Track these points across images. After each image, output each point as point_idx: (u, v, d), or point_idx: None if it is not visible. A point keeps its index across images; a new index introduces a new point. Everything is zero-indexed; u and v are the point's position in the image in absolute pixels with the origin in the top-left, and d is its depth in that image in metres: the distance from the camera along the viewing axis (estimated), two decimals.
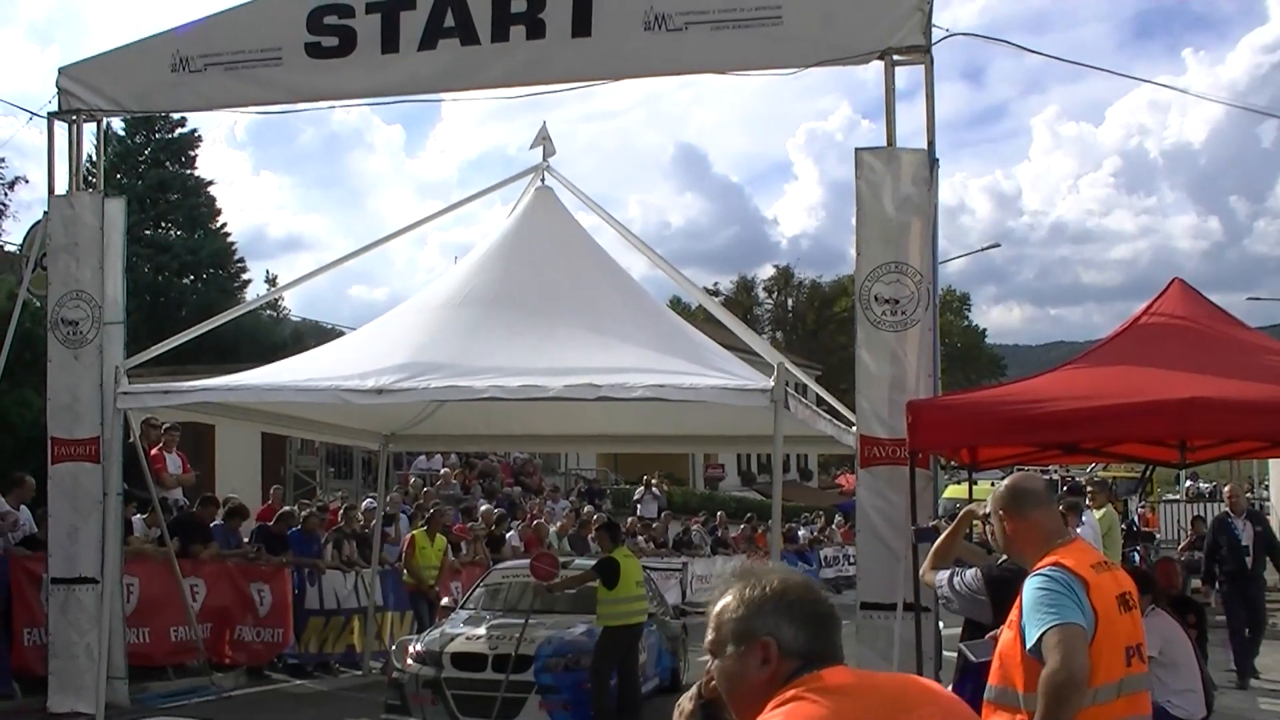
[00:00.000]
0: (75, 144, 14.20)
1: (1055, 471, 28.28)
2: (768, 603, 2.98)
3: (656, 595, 17.07)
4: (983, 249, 73.60)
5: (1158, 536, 33.63)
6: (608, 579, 13.16)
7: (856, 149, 11.68)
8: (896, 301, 11.25)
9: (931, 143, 11.57)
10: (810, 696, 2.83)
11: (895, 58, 11.72)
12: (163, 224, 44.86)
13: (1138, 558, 21.85)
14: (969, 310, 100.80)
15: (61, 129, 14.15)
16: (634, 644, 13.31)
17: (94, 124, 14.47)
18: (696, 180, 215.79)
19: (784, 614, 2.96)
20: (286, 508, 19.82)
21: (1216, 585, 17.31)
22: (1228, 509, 14.61)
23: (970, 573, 6.91)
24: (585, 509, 30.32)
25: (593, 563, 14.32)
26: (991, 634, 7.04)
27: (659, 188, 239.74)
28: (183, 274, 44.27)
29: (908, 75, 11.85)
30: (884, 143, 11.75)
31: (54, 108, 14.09)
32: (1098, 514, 16.63)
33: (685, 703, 3.28)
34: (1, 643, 13.45)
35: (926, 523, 10.06)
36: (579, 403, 13.29)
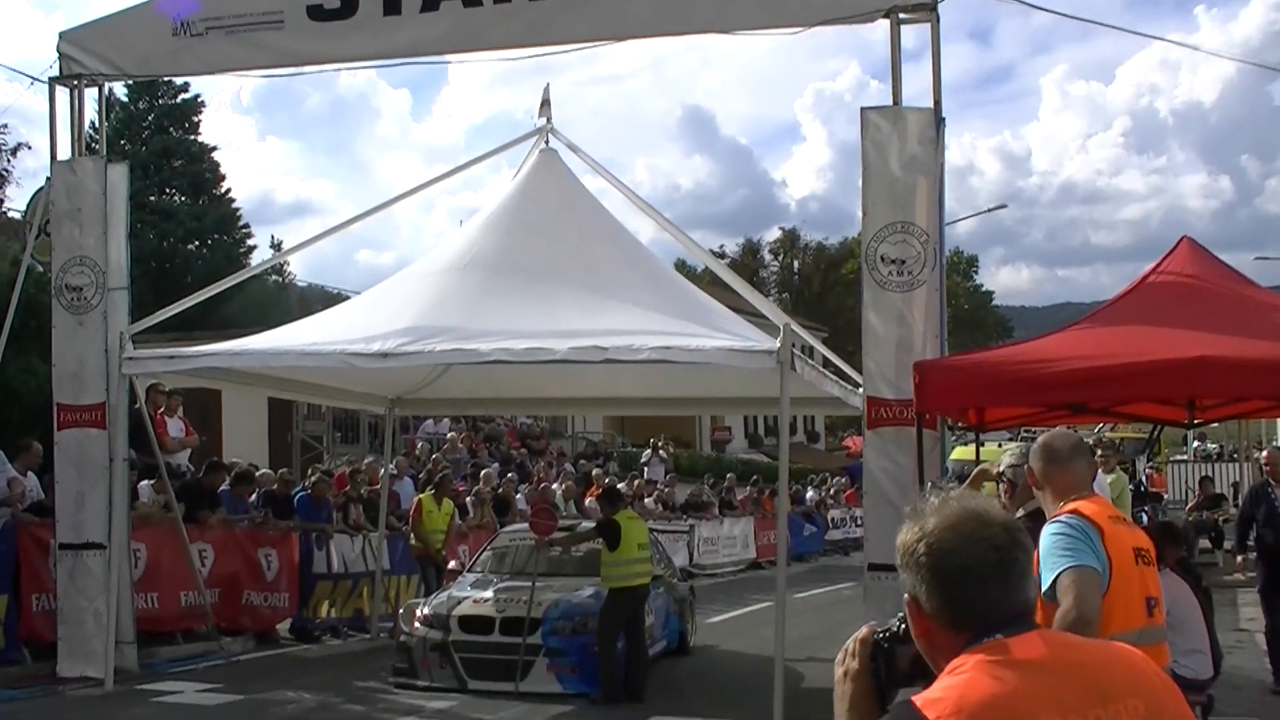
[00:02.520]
0: (77, 109, 14.14)
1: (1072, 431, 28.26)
2: (906, 555, 2.64)
3: (664, 558, 17.08)
4: (989, 210, 73.50)
5: (1165, 497, 33.63)
6: (610, 540, 13.16)
7: (862, 108, 11.60)
8: (903, 262, 11.18)
9: (938, 102, 11.49)
10: (989, 670, 2.46)
11: (901, 16, 11.63)
12: (167, 190, 44.89)
13: (1145, 518, 21.81)
14: (976, 272, 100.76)
15: (63, 94, 14.10)
16: (639, 606, 13.31)
17: (95, 89, 14.37)
18: (705, 143, 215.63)
19: (914, 570, 2.62)
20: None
21: (1242, 558, 15.80)
22: (1268, 477, 13.50)
23: None
24: (594, 472, 30.35)
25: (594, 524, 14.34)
26: None
27: (667, 151, 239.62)
28: (188, 240, 44.34)
29: (915, 35, 11.76)
30: (890, 103, 11.68)
31: (55, 73, 14.03)
32: (1109, 478, 16.55)
33: (850, 662, 2.81)
34: (10, 609, 13.46)
35: (939, 483, 10.03)
36: (585, 366, 13.28)
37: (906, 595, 2.65)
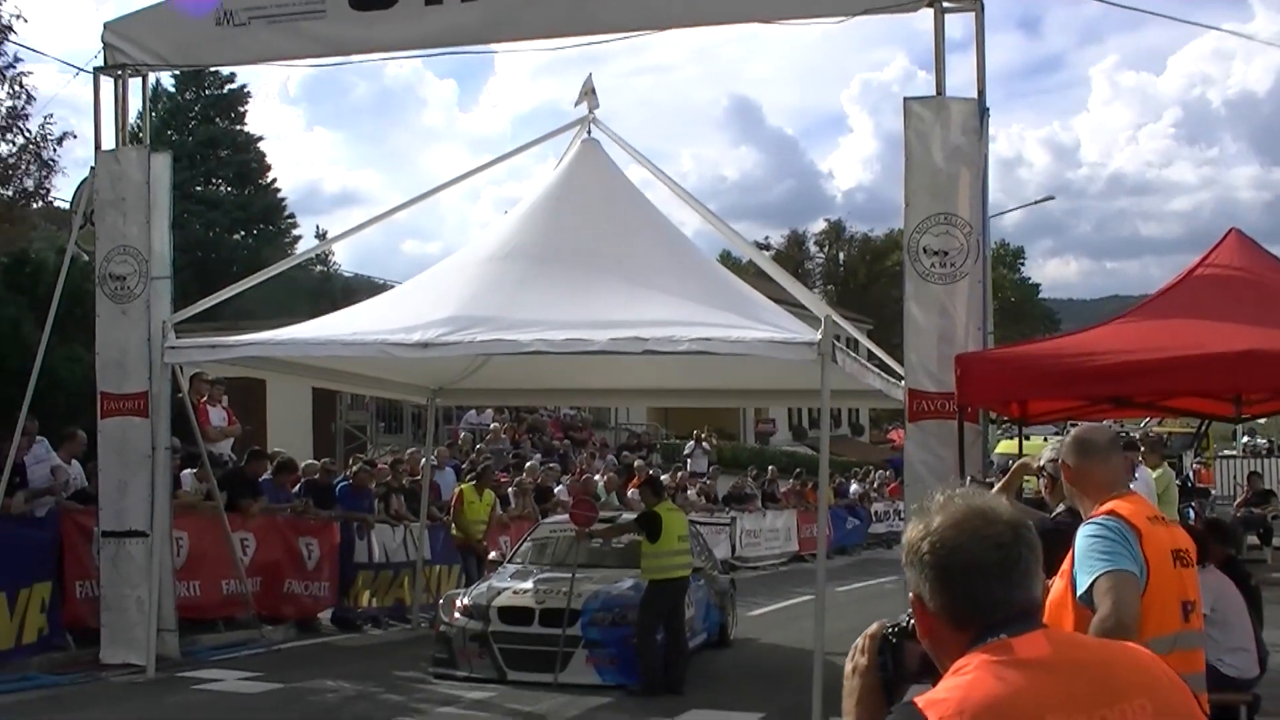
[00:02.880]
0: (121, 99, 14.19)
1: (1110, 426, 28.03)
2: (910, 552, 2.60)
3: (705, 550, 17.03)
4: (1036, 201, 73.08)
5: (1213, 493, 33.27)
6: (650, 532, 13.12)
7: (905, 98, 11.52)
8: (945, 253, 11.09)
9: (982, 92, 11.38)
10: (993, 670, 2.41)
11: (945, 4, 11.54)
12: (213, 180, 45.17)
13: (1193, 514, 21.58)
14: (1022, 264, 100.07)
15: (107, 84, 14.15)
16: (679, 598, 13.27)
17: (139, 79, 14.41)
18: (751, 133, 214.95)
19: (918, 568, 2.58)
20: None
21: None
22: None
23: None
24: (636, 463, 30.33)
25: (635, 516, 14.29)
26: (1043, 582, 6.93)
27: (713, 141, 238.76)
28: (233, 230, 44.61)
29: (962, 25, 11.65)
30: (934, 93, 11.57)
31: (100, 63, 14.09)
32: (1154, 473, 16.36)
33: (859, 659, 2.81)
34: (55, 595, 13.55)
35: (980, 476, 9.93)
36: (627, 357, 13.24)
37: (911, 593, 2.61)
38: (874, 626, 2.78)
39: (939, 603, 2.55)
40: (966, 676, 2.42)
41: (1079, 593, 4.78)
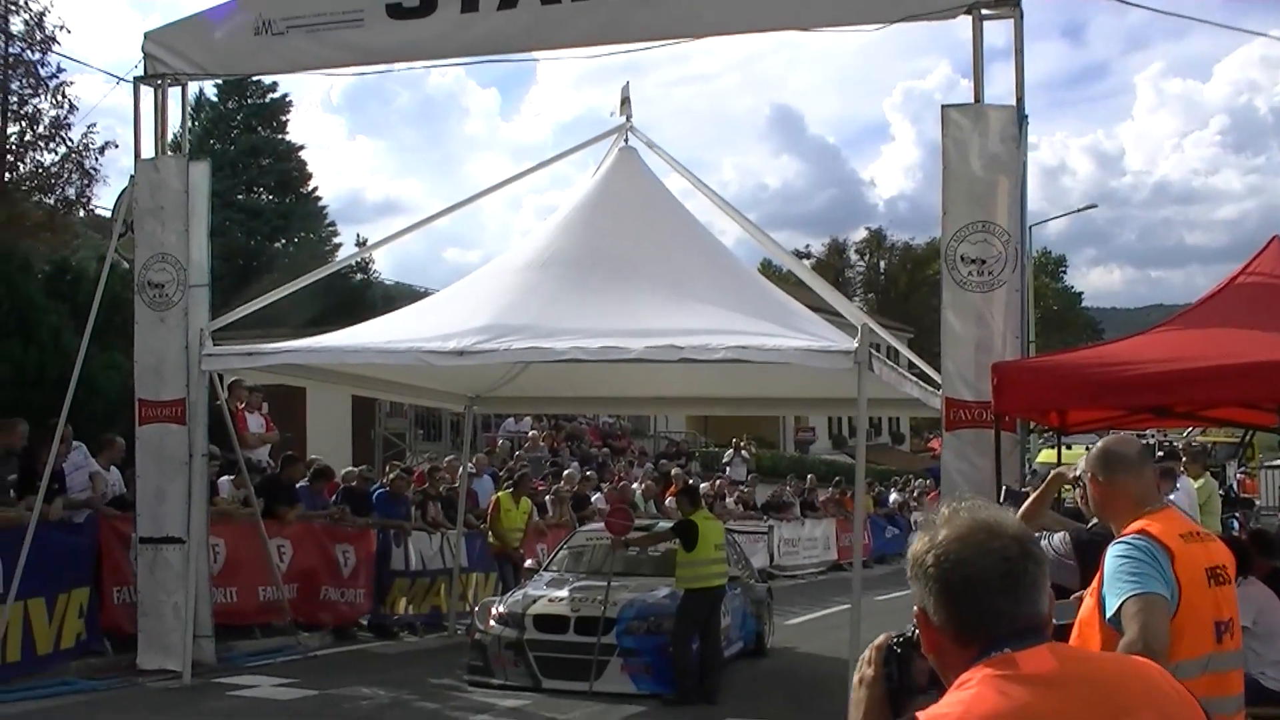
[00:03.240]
0: (160, 108, 14.26)
1: (1152, 436, 27.79)
2: (915, 566, 2.57)
3: (741, 559, 16.98)
4: (1079, 210, 72.75)
5: (1258, 503, 32.93)
6: (686, 541, 13.08)
7: (943, 106, 11.45)
8: (983, 262, 11.00)
9: (1020, 99, 11.29)
10: (996, 685, 2.38)
11: (984, 11, 11.44)
12: (254, 189, 45.42)
13: (1236, 525, 21.36)
14: (1064, 273, 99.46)
15: (147, 93, 14.23)
16: (715, 607, 13.22)
17: (179, 88, 14.49)
18: (792, 142, 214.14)
19: (922, 582, 2.55)
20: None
21: None
22: None
23: (1058, 536, 6.72)
24: (673, 471, 30.29)
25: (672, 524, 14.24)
26: (1076, 594, 6.83)
27: (754, 150, 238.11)
28: (274, 238, 44.87)
29: (1004, 33, 11.54)
30: (973, 100, 11.49)
31: (140, 72, 14.17)
32: (1196, 483, 16.21)
33: (866, 669, 2.78)
34: (92, 601, 13.62)
35: (1016, 486, 9.81)
36: (665, 365, 13.22)
37: (916, 607, 2.59)
38: (881, 638, 2.75)
39: (943, 617, 2.52)
40: (969, 691, 2.39)
41: (1108, 615, 4.65)
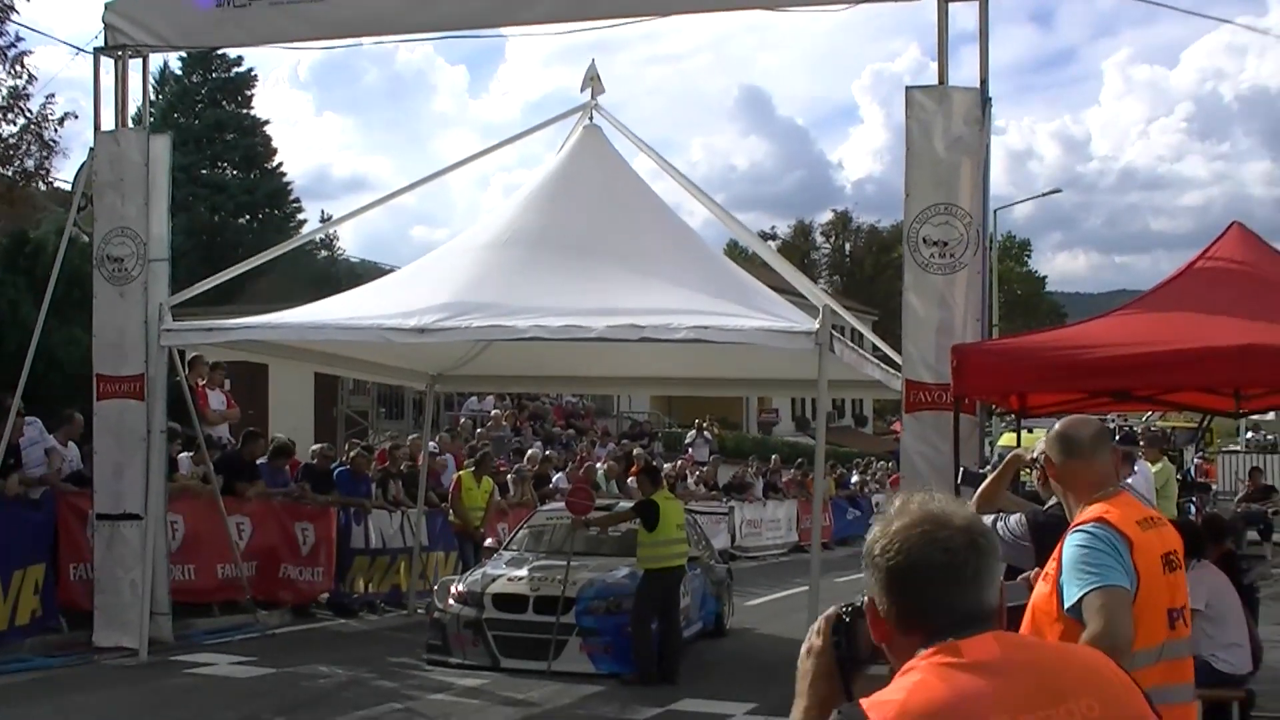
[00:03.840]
0: (121, 80, 14.13)
1: (1112, 420, 27.98)
2: (865, 556, 2.60)
3: (702, 539, 17.00)
4: (1044, 194, 72.97)
5: (1214, 488, 33.20)
6: (647, 521, 13.07)
7: (907, 87, 11.47)
8: (945, 244, 11.02)
9: (984, 82, 11.31)
10: (938, 672, 2.41)
11: None
12: (219, 164, 45.07)
13: (1193, 509, 21.52)
14: (1029, 257, 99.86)
15: (108, 65, 14.10)
16: (675, 587, 13.22)
17: (140, 60, 14.35)
18: (761, 123, 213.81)
19: (871, 572, 2.59)
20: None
21: None
22: None
23: (1014, 518, 6.72)
24: (635, 451, 30.30)
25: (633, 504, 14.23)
26: (1024, 576, 6.84)
27: (723, 131, 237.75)
28: (239, 214, 44.54)
29: (972, 16, 11.55)
30: (937, 82, 11.50)
31: (101, 43, 14.03)
32: (1154, 468, 16.31)
33: (814, 640, 2.77)
34: (49, 577, 13.53)
35: (975, 468, 9.83)
36: (628, 345, 13.22)
37: (866, 596, 2.62)
38: (831, 609, 2.76)
39: (888, 605, 2.56)
40: (912, 678, 2.41)
41: (1067, 604, 4.62)
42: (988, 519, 6.73)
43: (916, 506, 2.60)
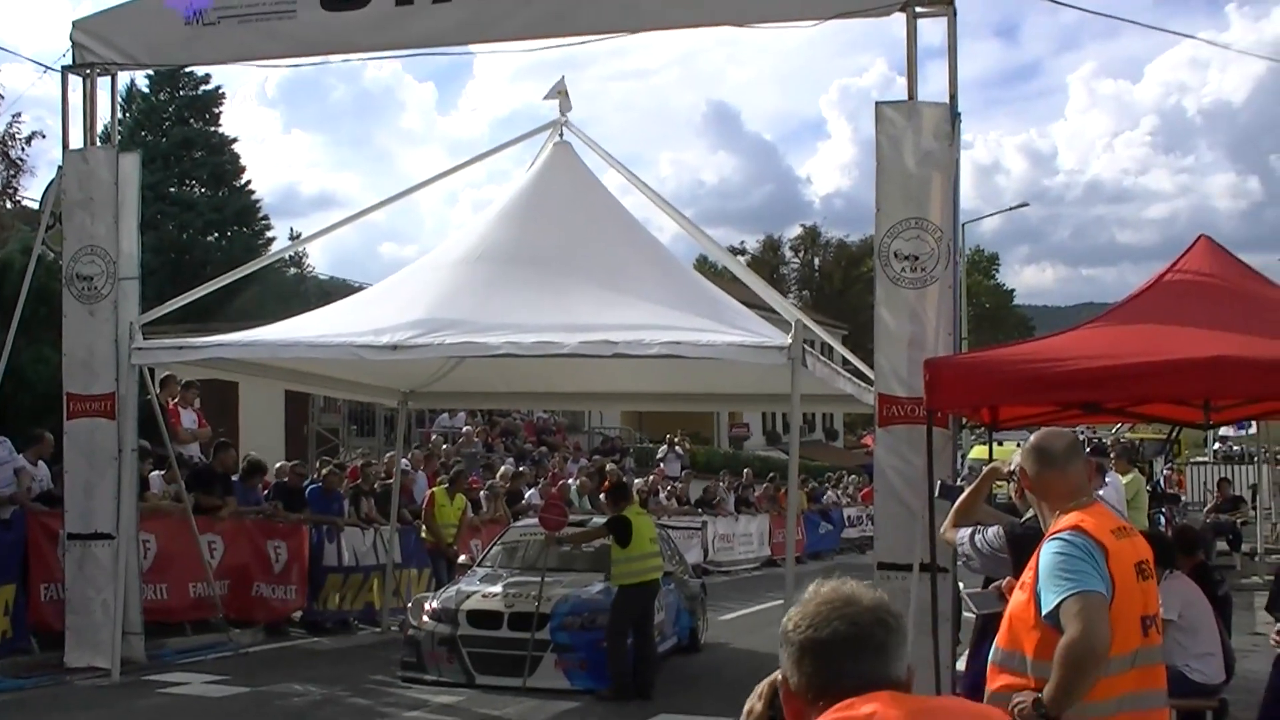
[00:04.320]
0: (89, 98, 14.08)
1: (1082, 432, 28.12)
2: (781, 635, 2.81)
3: (676, 554, 16.99)
4: (1012, 208, 73.49)
5: (1184, 499, 33.43)
6: (620, 537, 13.06)
7: (877, 103, 11.51)
8: (916, 258, 11.06)
9: (954, 97, 11.36)
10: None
11: (918, 9, 11.51)
12: (187, 181, 44.97)
13: (1163, 520, 21.66)
14: (997, 270, 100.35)
15: (76, 83, 14.04)
16: (649, 602, 13.22)
17: (109, 78, 14.30)
18: (729, 139, 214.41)
19: (783, 647, 2.79)
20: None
21: None
22: None
23: (992, 530, 6.77)
24: (608, 467, 30.28)
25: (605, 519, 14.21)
26: (995, 584, 6.88)
27: (692, 146, 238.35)
28: (207, 231, 44.44)
29: (939, 32, 11.60)
30: (906, 97, 11.55)
31: (68, 61, 13.98)
32: (1125, 479, 16.40)
33: (755, 702, 3.00)
34: (19, 598, 13.44)
35: (950, 481, 9.87)
36: (600, 361, 13.23)
37: (780, 675, 2.80)
38: (776, 674, 2.89)
39: (798, 679, 2.73)
40: None
41: (1044, 611, 4.68)
42: (965, 531, 6.79)
43: (829, 589, 2.80)
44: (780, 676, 2.78)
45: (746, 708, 2.97)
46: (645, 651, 13.04)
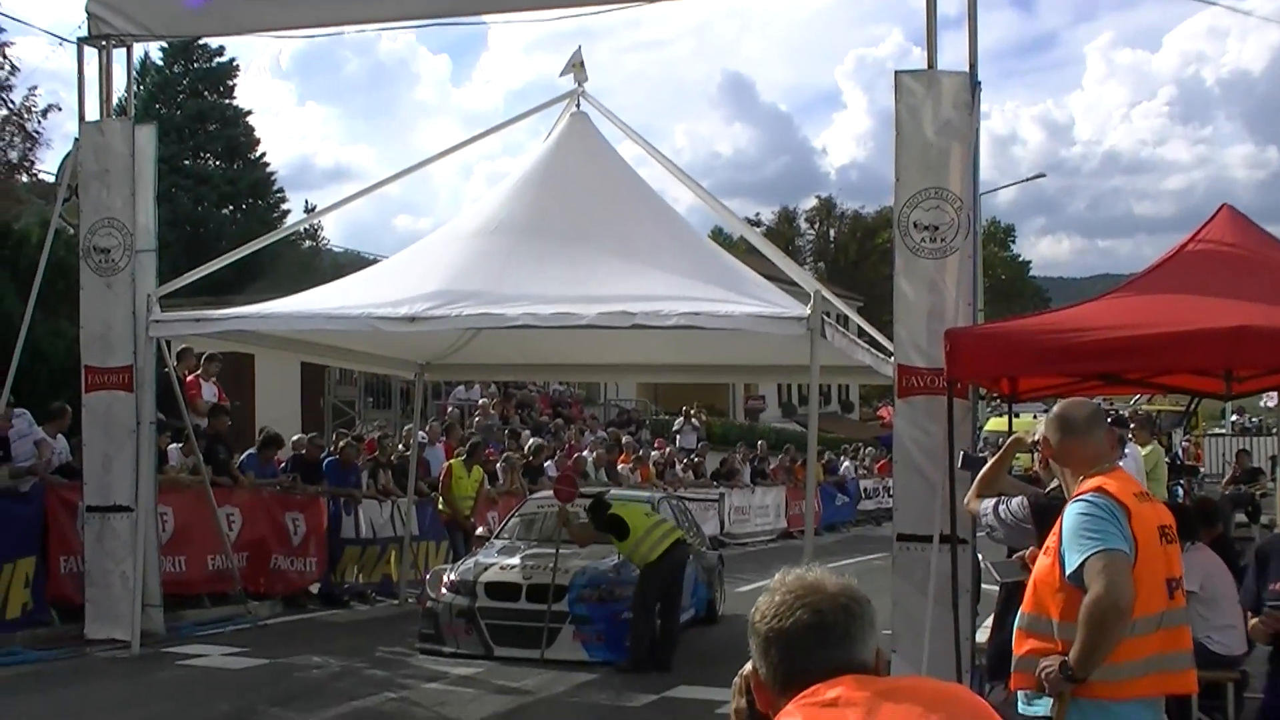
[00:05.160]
0: (105, 70, 14.05)
1: (1099, 403, 28.03)
2: (749, 627, 2.83)
3: (693, 526, 16.98)
4: (1028, 179, 73.11)
5: (1202, 470, 33.34)
6: (618, 534, 13.05)
7: (896, 72, 11.40)
8: (936, 228, 10.99)
9: (973, 66, 11.25)
10: (804, 710, 2.62)
11: None
12: (201, 154, 44.92)
13: (1181, 492, 21.61)
14: (1013, 242, 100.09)
15: (91, 55, 14.01)
16: (675, 573, 13.19)
17: (124, 50, 14.26)
18: (745, 110, 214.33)
19: (751, 637, 2.81)
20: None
21: None
22: None
23: (1016, 501, 6.75)
24: (624, 439, 30.30)
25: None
26: (1018, 554, 6.86)
27: (707, 118, 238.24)
28: (222, 204, 44.40)
29: (957, 1, 11.50)
30: (925, 67, 11.46)
31: (84, 33, 13.94)
32: (1144, 450, 16.36)
33: (738, 700, 3.01)
34: (38, 570, 13.49)
35: (972, 452, 9.83)
36: (616, 332, 13.14)
37: (751, 666, 2.84)
38: (747, 666, 2.90)
39: (766, 669, 2.77)
40: (784, 716, 2.64)
41: (1068, 572, 4.71)
42: (989, 502, 6.77)
43: (793, 579, 2.81)
44: (751, 667, 2.82)
45: (732, 707, 3.02)
46: (668, 624, 13.05)
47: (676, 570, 13.27)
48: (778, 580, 2.82)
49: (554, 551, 13.36)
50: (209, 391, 17.59)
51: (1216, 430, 45.11)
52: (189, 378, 16.93)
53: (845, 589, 2.78)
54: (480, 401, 29.88)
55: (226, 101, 46.07)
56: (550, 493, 15.12)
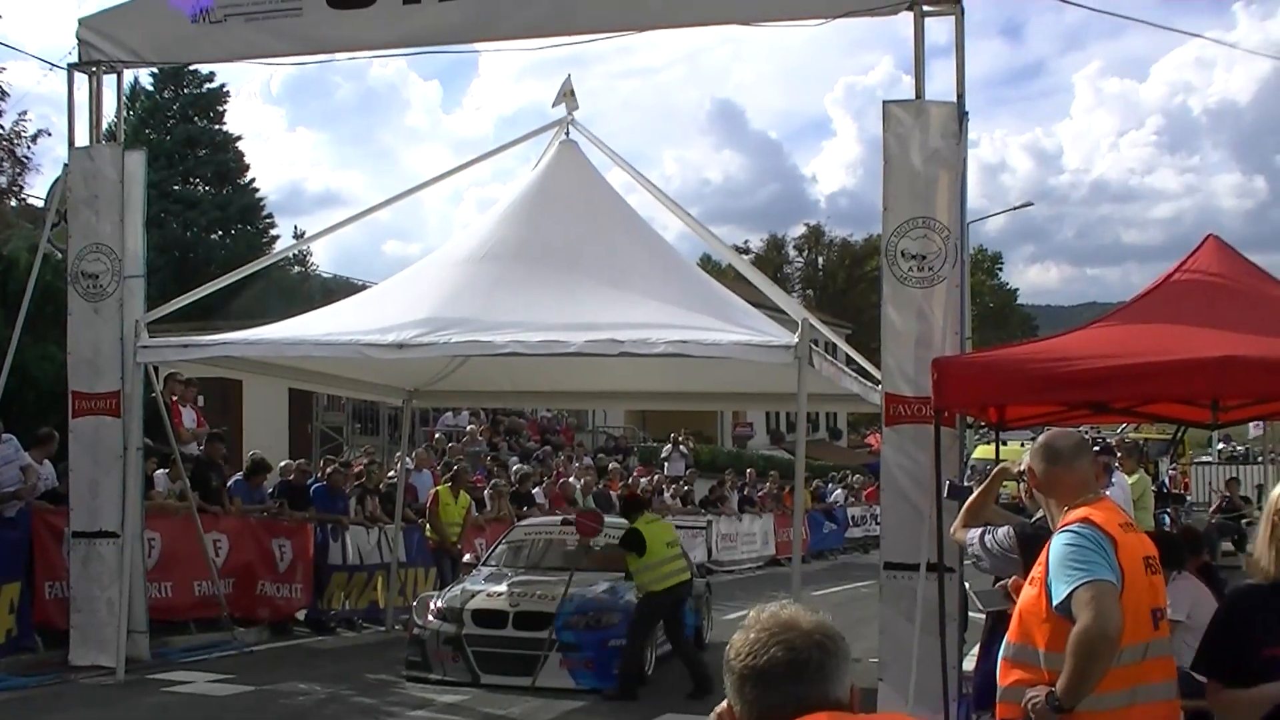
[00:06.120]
0: (95, 96, 14.08)
1: (1086, 432, 28.04)
2: (724, 664, 2.82)
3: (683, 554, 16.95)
4: (1016, 207, 73.37)
5: (1189, 499, 33.35)
6: (635, 548, 13.06)
7: (885, 101, 11.48)
8: (923, 257, 11.04)
9: (961, 95, 11.34)
10: None
11: (925, 8, 11.49)
12: (191, 179, 44.85)
13: (1169, 520, 21.61)
14: (1000, 270, 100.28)
15: (82, 81, 14.05)
16: (676, 608, 13.25)
17: (115, 76, 14.29)
18: (734, 137, 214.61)
19: (725, 674, 2.81)
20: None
21: None
22: None
23: (1002, 530, 6.75)
24: (611, 466, 30.29)
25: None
26: (1001, 583, 6.87)
27: (697, 144, 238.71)
28: (211, 230, 44.31)
29: (945, 30, 11.60)
30: (914, 96, 11.53)
31: (74, 59, 13.98)
32: (1130, 479, 16.36)
33: (721, 706, 2.97)
34: (24, 596, 13.44)
35: (958, 481, 9.85)
36: (605, 360, 13.21)
37: (726, 704, 2.82)
38: (723, 704, 2.88)
39: (740, 707, 2.75)
40: None
41: (1056, 602, 4.71)
42: (975, 531, 6.78)
43: (768, 615, 2.81)
44: (726, 705, 2.81)
45: None
46: (687, 652, 13.19)
47: (678, 605, 13.34)
48: (752, 617, 2.83)
49: (542, 579, 13.36)
50: (189, 417, 17.56)
51: (1204, 458, 45.15)
52: (173, 404, 16.90)
53: (819, 626, 2.79)
54: (468, 428, 29.87)
55: (216, 127, 46.03)
56: (541, 520, 15.08)
